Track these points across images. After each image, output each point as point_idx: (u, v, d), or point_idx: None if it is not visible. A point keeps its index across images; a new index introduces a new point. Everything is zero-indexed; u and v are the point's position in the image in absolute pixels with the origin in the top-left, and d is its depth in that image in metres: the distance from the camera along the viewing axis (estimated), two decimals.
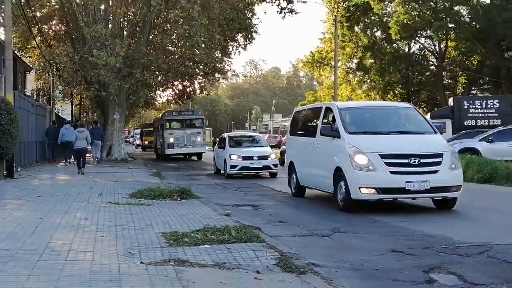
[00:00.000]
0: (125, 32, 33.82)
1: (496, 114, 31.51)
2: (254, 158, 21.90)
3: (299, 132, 15.29)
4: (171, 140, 36.71)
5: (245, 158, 21.95)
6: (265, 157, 22.09)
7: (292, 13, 33.37)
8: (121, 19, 33.15)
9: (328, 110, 13.35)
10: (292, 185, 15.13)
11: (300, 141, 14.94)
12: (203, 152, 38.93)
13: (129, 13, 33.04)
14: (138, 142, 71.01)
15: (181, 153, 38.24)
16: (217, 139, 51.31)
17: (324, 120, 13.25)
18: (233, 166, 21.89)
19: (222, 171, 23.38)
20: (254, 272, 6.25)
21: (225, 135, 25.61)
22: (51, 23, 37.25)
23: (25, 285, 5.21)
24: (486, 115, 31.67)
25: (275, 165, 22.10)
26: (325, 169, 12.45)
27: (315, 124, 13.80)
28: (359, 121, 12.80)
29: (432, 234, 9.06)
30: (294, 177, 14.84)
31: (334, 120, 12.60)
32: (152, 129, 50.69)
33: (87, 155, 24.04)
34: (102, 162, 28.27)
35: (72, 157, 24.73)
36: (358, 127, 12.35)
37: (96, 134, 26.46)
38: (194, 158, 39.42)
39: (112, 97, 30.97)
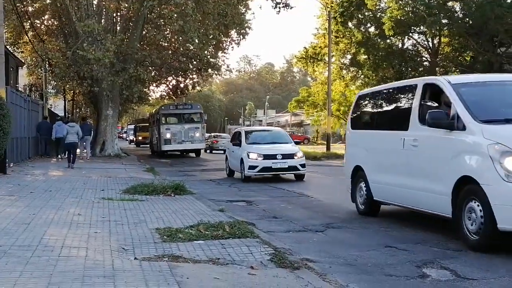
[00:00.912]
0: (118, 27, 33.70)
1: None
2: (277, 157, 18.51)
3: (371, 124, 11.13)
4: (168, 135, 34.97)
5: (266, 157, 18.55)
6: (290, 156, 18.70)
7: (287, 7, 33.30)
8: (114, 14, 33.04)
9: (429, 89, 9.05)
10: (359, 199, 11.08)
11: (376, 137, 10.65)
12: (202, 149, 37.58)
13: (122, 8, 32.93)
14: (131, 137, 70.53)
15: (178, 149, 36.69)
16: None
17: (424, 104, 8.89)
18: (252, 167, 18.49)
19: (237, 173, 20.02)
20: (248, 267, 6.26)
21: (241, 129, 22.05)
22: (43, 18, 37.11)
23: (18, 281, 5.19)
24: None
25: (303, 165, 18.83)
26: (433, 180, 8.39)
27: (404, 110, 9.62)
28: (491, 103, 8.43)
29: (425, 229, 9.09)
30: (363, 188, 10.83)
31: (443, 104, 8.65)
32: (147, 124, 49.74)
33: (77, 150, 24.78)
34: (91, 157, 28.50)
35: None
36: (494, 113, 8.05)
37: (85, 129, 26.73)
38: (192, 154, 37.81)
39: (105, 93, 30.89)
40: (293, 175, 19.29)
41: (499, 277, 6.28)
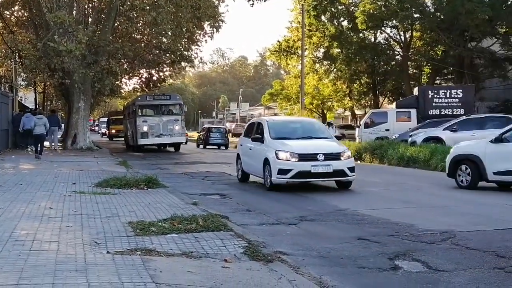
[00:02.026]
0: (90, 19, 33.30)
1: (460, 104, 32.02)
2: (318, 157, 13.42)
3: None
4: (145, 128, 32.59)
5: (303, 157, 13.54)
6: (335, 156, 13.69)
7: (261, 0, 33.27)
8: (86, 6, 32.63)
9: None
10: None
11: None
12: (182, 143, 35.57)
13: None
14: (104, 130, 69.54)
15: (156, 144, 34.73)
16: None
17: None
18: (283, 171, 13.52)
19: (257, 178, 15.45)
20: (221, 260, 6.26)
21: (262, 119, 16.89)
22: (13, 8, 36.49)
23: None
24: (450, 104, 32.16)
25: (352, 169, 13.88)
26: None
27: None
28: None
29: (397, 222, 9.20)
30: None
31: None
32: (120, 117, 48.21)
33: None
34: (62, 150, 29.17)
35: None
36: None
37: (53, 121, 27.35)
38: (171, 149, 35.85)
39: (77, 85, 30.53)
40: (334, 182, 14.43)
41: (469, 268, 6.38)
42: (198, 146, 43.57)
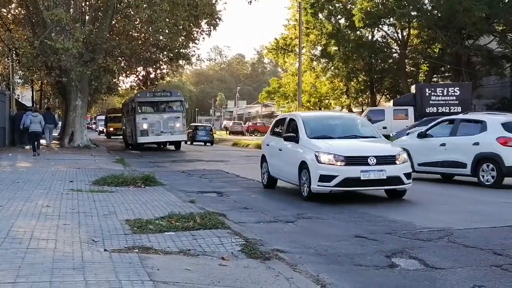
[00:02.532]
0: (87, 17, 33.23)
1: (457, 101, 32.10)
2: (369, 160, 11.08)
3: None
4: (145, 126, 31.60)
5: (351, 160, 11.14)
6: (389, 159, 11.37)
7: None
8: (83, 4, 32.56)
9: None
10: None
11: None
12: (183, 141, 34.83)
13: None
14: (101, 128, 69.01)
15: (156, 142, 33.59)
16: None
17: None
18: (326, 178, 11.09)
19: (289, 183, 13.23)
20: (219, 258, 6.26)
21: (295, 115, 14.17)
22: (10, 6, 36.36)
23: None
24: (447, 102, 32.23)
25: (408, 176, 11.62)
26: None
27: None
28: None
29: (395, 219, 9.22)
30: None
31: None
32: (119, 114, 48.07)
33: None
34: (50, 144, 30.00)
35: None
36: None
37: (48, 118, 27.92)
38: (171, 147, 34.78)
39: (74, 83, 30.46)
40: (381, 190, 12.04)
41: (466, 266, 6.39)
42: (185, 142, 44.01)
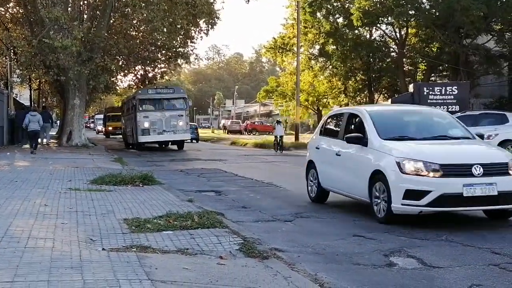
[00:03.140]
0: (85, 16, 33.21)
1: (455, 100, 32.05)
2: (474, 170, 8.40)
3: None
4: (146, 124, 30.43)
5: (449, 170, 8.45)
6: (500, 169, 8.64)
7: None
8: (81, 2, 32.54)
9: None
10: None
11: None
12: (186, 140, 33.53)
13: None
14: (100, 127, 68.17)
15: (158, 141, 32.48)
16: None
17: None
18: (414, 194, 8.40)
19: (350, 197, 10.45)
20: (217, 257, 6.26)
21: (359, 110, 10.76)
22: (8, 5, 36.32)
23: None
24: (445, 101, 32.18)
25: None
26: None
27: None
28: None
29: None
30: None
31: None
32: (117, 113, 47.39)
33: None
34: (49, 143, 30.70)
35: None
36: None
37: (45, 117, 28.24)
38: (173, 147, 33.67)
39: (72, 82, 30.44)
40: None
41: (464, 265, 6.40)
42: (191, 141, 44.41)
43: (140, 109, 30.93)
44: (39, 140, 27.03)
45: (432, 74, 47.18)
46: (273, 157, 26.93)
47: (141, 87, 38.97)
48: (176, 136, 31.32)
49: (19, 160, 19.90)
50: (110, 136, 54.52)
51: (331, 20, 47.98)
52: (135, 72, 40.59)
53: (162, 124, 30.64)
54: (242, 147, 39.42)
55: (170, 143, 33.44)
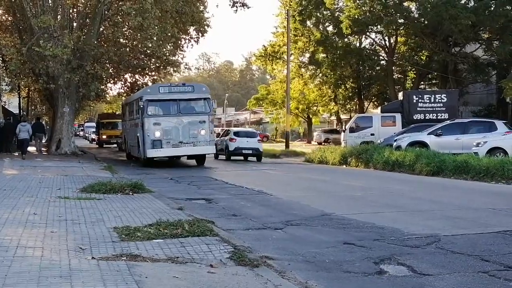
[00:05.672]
0: (75, 24, 33.15)
1: (444, 108, 32.27)
2: None
3: None
4: (157, 134, 23.59)
5: None
6: None
7: (244, 7, 33.41)
8: (71, 10, 32.49)
9: None
10: None
11: None
12: (209, 154, 26.33)
13: (79, 4, 32.43)
14: (93, 136, 63.31)
15: (174, 156, 25.58)
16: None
17: None
18: None
19: None
20: (207, 266, 6.24)
21: None
22: None
23: None
24: (434, 109, 32.40)
25: None
26: None
27: None
28: None
29: (382, 226, 9.23)
30: None
31: None
32: (113, 120, 43.63)
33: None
34: (46, 155, 30.39)
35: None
36: None
37: (38, 128, 31.14)
38: (189, 161, 27.55)
39: (62, 90, 30.38)
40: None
41: (454, 272, 6.42)
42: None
43: (149, 113, 24.01)
44: (30, 148, 27.77)
45: (422, 82, 47.52)
46: (263, 165, 26.93)
47: (131, 94, 37.21)
48: (196, 149, 24.41)
49: (8, 168, 19.77)
50: (104, 146, 49.95)
51: (321, 29, 48.26)
52: (125, 80, 40.37)
53: (178, 134, 23.89)
54: None
55: (187, 157, 27.03)
